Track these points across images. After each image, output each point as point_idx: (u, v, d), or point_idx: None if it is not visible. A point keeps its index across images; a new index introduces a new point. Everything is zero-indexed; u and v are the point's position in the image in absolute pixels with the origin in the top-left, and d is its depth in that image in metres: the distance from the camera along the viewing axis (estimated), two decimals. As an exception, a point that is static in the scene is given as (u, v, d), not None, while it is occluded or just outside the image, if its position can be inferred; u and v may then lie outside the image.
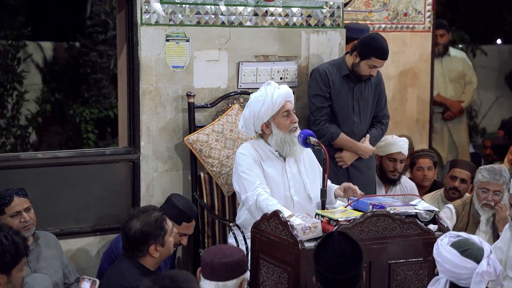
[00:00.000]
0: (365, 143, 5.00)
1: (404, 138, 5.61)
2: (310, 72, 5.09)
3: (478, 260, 2.97)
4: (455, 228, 4.98)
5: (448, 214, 5.05)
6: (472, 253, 2.99)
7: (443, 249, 3.02)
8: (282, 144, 4.27)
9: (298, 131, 4.28)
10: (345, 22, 5.50)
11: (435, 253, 3.06)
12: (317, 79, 4.94)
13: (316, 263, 3.10)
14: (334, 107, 4.95)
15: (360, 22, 6.20)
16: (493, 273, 2.96)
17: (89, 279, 2.85)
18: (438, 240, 3.08)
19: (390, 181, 5.51)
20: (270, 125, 4.28)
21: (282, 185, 4.29)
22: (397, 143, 5.49)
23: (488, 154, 7.21)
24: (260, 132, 4.35)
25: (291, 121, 4.26)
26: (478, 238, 3.06)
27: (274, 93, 4.23)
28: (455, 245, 3.01)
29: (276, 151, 4.32)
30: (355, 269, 3.07)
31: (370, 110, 5.05)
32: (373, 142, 5.06)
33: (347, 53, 5.00)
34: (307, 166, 4.38)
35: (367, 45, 4.82)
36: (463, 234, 3.08)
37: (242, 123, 4.37)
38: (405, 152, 5.53)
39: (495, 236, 4.89)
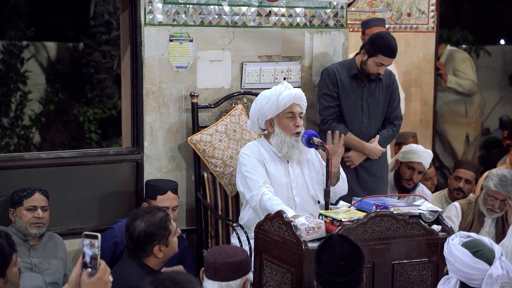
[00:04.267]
0: (373, 144, 4.97)
1: (429, 151, 5.52)
2: (321, 72, 5.07)
3: (490, 262, 2.95)
4: (460, 227, 4.99)
5: (455, 212, 5.05)
6: (484, 254, 2.97)
7: (455, 248, 3.00)
8: (282, 144, 4.25)
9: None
10: (350, 22, 5.55)
11: (446, 252, 3.04)
12: (325, 78, 4.95)
13: (318, 266, 3.09)
14: (343, 107, 4.94)
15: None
16: (506, 276, 2.94)
17: (89, 236, 2.64)
18: (449, 239, 3.06)
19: (404, 189, 5.45)
20: (274, 123, 4.28)
21: (285, 186, 4.27)
22: (420, 153, 5.42)
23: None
24: (265, 130, 4.35)
25: (294, 124, 4.23)
26: (489, 240, 3.04)
27: (283, 92, 4.21)
28: (466, 245, 3.00)
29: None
30: (356, 271, 3.07)
31: (380, 111, 5.02)
32: (383, 143, 5.01)
33: (357, 53, 4.99)
34: (310, 168, 4.37)
35: (375, 42, 4.82)
36: (474, 235, 3.07)
37: (249, 119, 4.39)
38: (426, 164, 5.43)
39: (498, 236, 4.89)
